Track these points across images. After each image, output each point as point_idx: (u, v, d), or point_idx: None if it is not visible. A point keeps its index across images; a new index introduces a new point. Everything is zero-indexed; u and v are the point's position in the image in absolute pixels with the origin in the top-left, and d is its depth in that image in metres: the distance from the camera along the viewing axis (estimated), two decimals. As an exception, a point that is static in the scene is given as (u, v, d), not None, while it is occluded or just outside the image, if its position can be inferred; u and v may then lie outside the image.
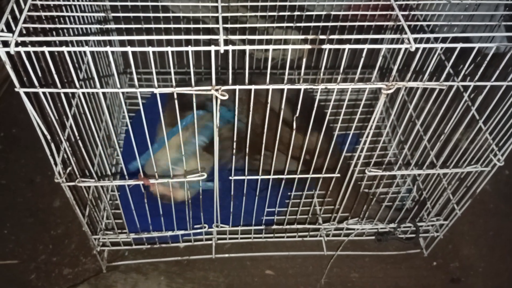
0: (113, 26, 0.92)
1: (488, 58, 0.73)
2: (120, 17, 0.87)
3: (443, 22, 0.85)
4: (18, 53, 0.61)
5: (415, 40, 0.66)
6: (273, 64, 1.58)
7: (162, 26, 0.74)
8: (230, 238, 1.16)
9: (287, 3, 0.87)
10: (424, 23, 0.85)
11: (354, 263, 1.20)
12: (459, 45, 0.68)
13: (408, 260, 1.21)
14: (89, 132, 0.89)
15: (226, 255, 1.18)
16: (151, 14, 0.76)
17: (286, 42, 1.25)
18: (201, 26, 0.72)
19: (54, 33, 0.73)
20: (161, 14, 0.78)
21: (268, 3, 0.80)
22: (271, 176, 0.92)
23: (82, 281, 1.12)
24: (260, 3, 0.79)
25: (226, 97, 0.67)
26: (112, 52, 1.16)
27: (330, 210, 1.11)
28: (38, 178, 1.34)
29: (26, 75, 0.65)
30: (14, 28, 0.63)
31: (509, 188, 1.40)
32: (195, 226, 1.06)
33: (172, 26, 0.74)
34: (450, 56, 0.71)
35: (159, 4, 0.78)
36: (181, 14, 0.74)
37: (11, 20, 0.64)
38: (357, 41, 0.70)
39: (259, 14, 0.75)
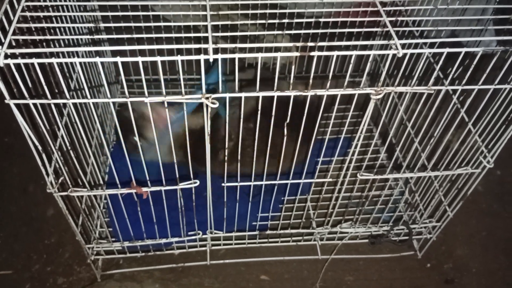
0: (104, 36, 0.92)
1: (475, 61, 0.74)
2: (111, 27, 0.88)
3: (430, 28, 0.86)
4: (8, 64, 0.61)
5: (403, 46, 0.67)
6: (265, 68, 1.58)
7: (154, 35, 0.74)
8: (224, 244, 1.16)
9: (278, 11, 0.88)
10: (412, 29, 0.86)
11: (348, 266, 1.20)
12: (446, 50, 0.69)
13: (402, 262, 1.22)
14: (81, 141, 0.89)
15: (221, 261, 1.18)
16: (142, 24, 0.76)
17: (276, 48, 1.26)
18: (192, 35, 0.72)
19: (44, 44, 0.73)
20: (152, 24, 0.78)
21: (259, 11, 0.80)
22: (264, 182, 0.92)
23: (77, 290, 1.12)
24: (250, 11, 0.80)
25: (216, 105, 0.68)
26: (103, 62, 1.17)
27: (324, 214, 1.12)
28: (31, 187, 1.33)
29: (16, 86, 0.65)
30: (3, 40, 0.63)
31: (501, 188, 1.41)
32: (189, 233, 1.06)
33: (163, 35, 0.74)
34: (439, 59, 0.72)
35: (150, 13, 0.78)
36: (172, 24, 0.74)
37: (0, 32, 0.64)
38: (346, 47, 0.71)
39: (249, 22, 0.75)
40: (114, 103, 1.31)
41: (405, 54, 0.67)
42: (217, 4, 0.76)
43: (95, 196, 0.98)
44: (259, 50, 1.02)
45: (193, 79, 1.49)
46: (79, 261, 1.17)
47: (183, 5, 1.03)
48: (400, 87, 0.73)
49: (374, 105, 0.76)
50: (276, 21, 0.80)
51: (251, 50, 1.11)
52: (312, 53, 0.65)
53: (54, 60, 0.61)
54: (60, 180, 0.83)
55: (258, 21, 0.78)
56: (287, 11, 0.93)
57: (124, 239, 1.05)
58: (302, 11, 0.99)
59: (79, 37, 0.89)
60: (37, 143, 0.74)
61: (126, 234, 1.03)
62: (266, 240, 1.17)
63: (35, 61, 0.61)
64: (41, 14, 0.73)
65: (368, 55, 0.70)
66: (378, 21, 1.00)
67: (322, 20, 0.81)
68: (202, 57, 0.63)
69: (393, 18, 0.75)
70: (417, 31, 1.00)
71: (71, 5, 0.93)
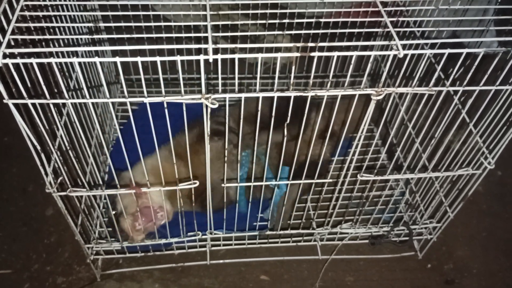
0: (104, 36, 0.92)
1: (476, 63, 0.73)
2: (111, 27, 0.87)
3: (431, 28, 0.86)
4: (6, 64, 0.60)
5: (404, 46, 0.67)
6: (266, 68, 1.58)
7: (154, 35, 0.73)
8: (224, 245, 1.16)
9: (278, 11, 0.87)
10: (412, 29, 0.85)
11: (349, 267, 1.20)
12: (447, 51, 0.68)
13: (402, 263, 1.21)
14: (81, 141, 0.88)
15: (221, 261, 1.17)
16: (143, 24, 0.76)
17: (277, 48, 1.26)
18: (192, 35, 0.72)
19: (43, 44, 0.73)
20: (152, 24, 0.78)
21: (259, 11, 0.80)
22: (263, 183, 0.92)
23: (76, 290, 1.11)
24: (251, 11, 0.79)
25: (216, 106, 0.67)
26: (103, 62, 1.16)
27: (324, 214, 1.11)
28: (31, 187, 1.33)
29: (15, 86, 0.64)
30: (1, 40, 0.62)
31: (501, 188, 1.41)
32: (189, 234, 1.06)
33: (164, 35, 0.73)
34: (440, 59, 0.72)
35: (151, 13, 0.78)
36: (172, 24, 0.74)
37: (-2, 32, 0.64)
38: (347, 48, 0.71)
39: (250, 22, 0.75)
40: (113, 102, 1.31)
41: (406, 55, 0.67)
42: (218, 4, 0.76)
43: (94, 196, 0.98)
44: (260, 50, 1.01)
45: (193, 78, 1.49)
46: (79, 260, 1.17)
47: (184, 5, 1.03)
48: (401, 88, 0.73)
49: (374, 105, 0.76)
50: (277, 21, 0.80)
51: (251, 50, 1.11)
52: (312, 54, 0.65)
53: (52, 60, 0.61)
54: (59, 180, 0.83)
55: (259, 21, 0.78)
56: (287, 11, 0.93)
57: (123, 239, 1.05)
58: (303, 11, 0.99)
59: (78, 36, 0.89)
60: (36, 143, 0.74)
61: (125, 234, 1.03)
62: (266, 240, 1.17)
63: (33, 61, 0.61)
64: (40, 13, 0.72)
65: (369, 56, 0.70)
66: (379, 21, 1.00)
67: (322, 20, 0.80)
68: (202, 57, 0.62)
69: (394, 19, 0.74)
70: (418, 31, 1.00)
71: (70, 5, 0.92)
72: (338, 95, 0.73)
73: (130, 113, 0.71)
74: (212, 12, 0.71)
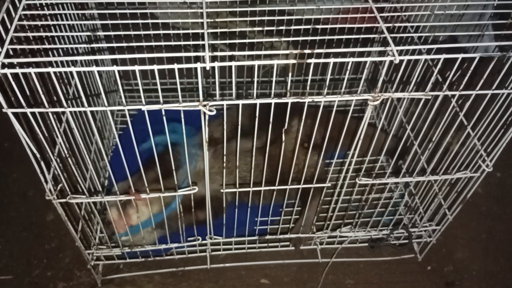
0: (103, 45, 0.92)
1: (473, 65, 0.74)
2: (111, 35, 0.88)
3: (428, 34, 0.86)
4: (5, 74, 0.61)
5: (400, 52, 0.67)
6: (265, 71, 1.59)
7: (153, 44, 0.74)
8: (224, 249, 1.16)
9: (276, 17, 0.87)
10: (408, 35, 0.85)
11: (349, 270, 1.20)
12: (443, 56, 0.69)
13: (402, 265, 1.21)
14: (80, 148, 0.89)
15: (221, 265, 1.18)
16: (141, 32, 0.76)
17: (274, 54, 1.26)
18: (191, 42, 0.72)
19: (42, 53, 0.73)
20: (151, 32, 0.78)
21: (257, 18, 0.80)
22: (262, 188, 0.92)
23: (77, 295, 1.12)
24: (248, 18, 0.80)
25: (213, 113, 0.68)
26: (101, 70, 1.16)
27: (323, 218, 1.12)
28: (31, 192, 1.34)
29: (14, 95, 0.65)
30: (0, 50, 0.63)
31: (501, 190, 1.41)
32: (189, 239, 1.06)
33: (163, 43, 0.74)
34: (438, 62, 0.72)
35: (149, 21, 0.79)
36: (171, 32, 0.74)
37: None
38: (344, 54, 0.71)
39: (248, 29, 0.75)
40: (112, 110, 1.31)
41: (401, 61, 0.67)
42: (215, 11, 0.76)
43: (94, 202, 0.98)
44: (258, 56, 1.02)
45: (192, 83, 1.49)
46: (80, 265, 1.17)
47: (182, 12, 1.03)
48: (398, 93, 0.73)
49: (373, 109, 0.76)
50: (274, 28, 0.81)
51: (249, 56, 1.11)
52: (309, 61, 0.66)
53: (51, 70, 0.61)
54: (59, 187, 0.83)
55: (256, 28, 0.78)
56: (285, 17, 0.94)
57: (124, 245, 1.05)
58: (300, 17, 0.99)
59: (77, 46, 0.89)
60: (35, 151, 0.74)
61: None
62: (265, 244, 1.17)
63: (32, 70, 0.61)
64: (38, 23, 0.73)
65: (365, 61, 0.70)
66: (376, 26, 1.00)
67: (320, 26, 0.81)
68: (198, 65, 0.63)
69: (390, 24, 0.75)
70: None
71: (69, 14, 0.93)
72: (335, 101, 0.74)
73: (129, 121, 0.72)
74: (209, 20, 0.72)
